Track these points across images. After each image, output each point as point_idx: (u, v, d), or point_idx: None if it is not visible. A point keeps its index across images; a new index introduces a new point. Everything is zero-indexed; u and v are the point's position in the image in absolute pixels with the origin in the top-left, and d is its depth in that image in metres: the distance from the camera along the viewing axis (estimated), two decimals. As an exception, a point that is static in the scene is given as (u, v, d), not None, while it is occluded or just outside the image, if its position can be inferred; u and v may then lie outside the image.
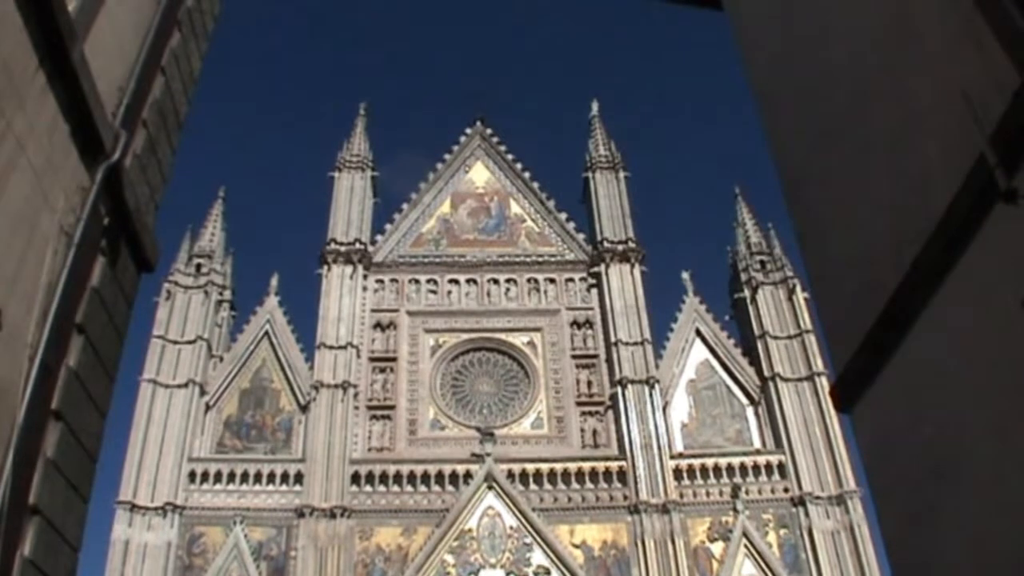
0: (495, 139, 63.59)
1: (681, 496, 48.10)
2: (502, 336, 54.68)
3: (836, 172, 8.61)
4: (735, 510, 47.37)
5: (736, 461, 49.69)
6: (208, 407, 50.81)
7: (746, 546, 46.54)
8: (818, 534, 46.92)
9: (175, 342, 51.66)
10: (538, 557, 45.78)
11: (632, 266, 56.40)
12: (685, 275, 57.55)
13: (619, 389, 51.16)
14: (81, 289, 9.51)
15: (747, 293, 56.15)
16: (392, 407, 51.52)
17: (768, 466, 49.61)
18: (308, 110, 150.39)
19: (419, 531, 46.73)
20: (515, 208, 60.57)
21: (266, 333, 53.91)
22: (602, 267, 56.29)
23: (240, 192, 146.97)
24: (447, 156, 62.51)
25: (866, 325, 7.83)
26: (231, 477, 48.30)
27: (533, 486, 48.35)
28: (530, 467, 48.82)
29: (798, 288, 54.62)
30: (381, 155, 68.72)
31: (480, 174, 62.09)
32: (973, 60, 5.89)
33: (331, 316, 53.46)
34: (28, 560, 8.14)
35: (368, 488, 48.25)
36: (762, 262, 57.54)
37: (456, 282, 56.71)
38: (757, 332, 54.05)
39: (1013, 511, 5.99)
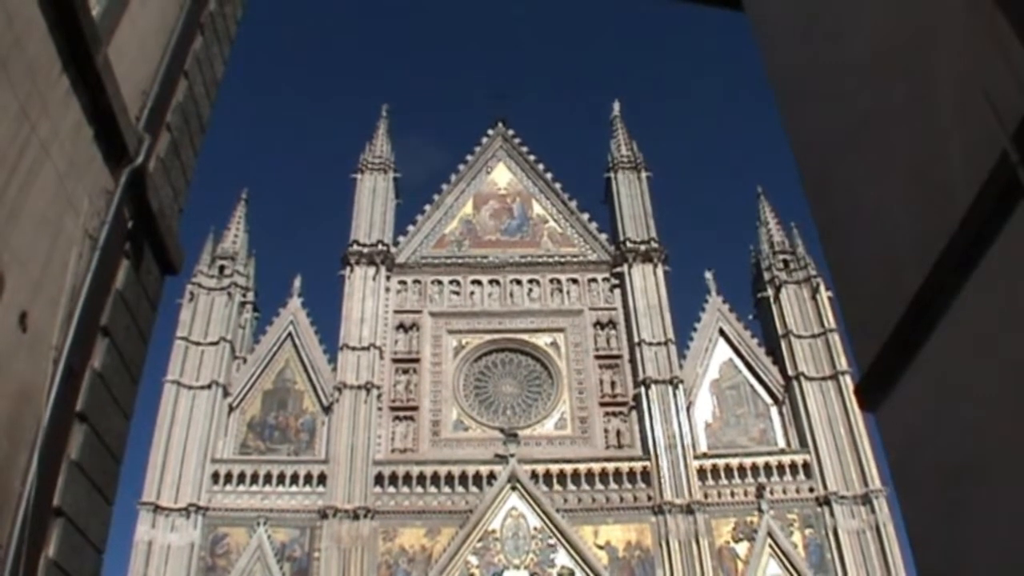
0: (517, 140, 63.69)
1: (705, 496, 48.04)
2: (525, 337, 54.70)
3: (858, 171, 8.58)
4: (760, 510, 47.30)
5: (760, 461, 49.61)
6: (231, 408, 51.04)
7: (771, 546, 46.45)
8: (843, 534, 46.79)
9: (198, 343, 51.93)
10: (562, 558, 45.80)
11: (655, 266, 56.36)
12: (708, 274, 57.60)
13: (643, 389, 51.15)
14: (105, 292, 9.57)
15: (770, 292, 56.03)
16: (415, 408, 51.63)
17: (793, 466, 49.51)
18: (330, 112, 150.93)
19: (443, 532, 46.80)
20: (537, 209, 60.61)
21: (289, 334, 54.11)
22: (625, 267, 56.27)
23: (263, 194, 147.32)
24: (469, 157, 62.68)
25: (891, 324, 7.79)
26: (254, 478, 48.51)
27: (557, 487, 48.38)
28: (554, 468, 48.85)
29: (821, 287, 54.48)
30: (403, 155, 68.76)
31: (502, 175, 62.15)
32: (995, 58, 5.86)
33: (354, 317, 53.59)
34: (53, 561, 8.20)
35: (391, 489, 48.36)
36: (785, 261, 57.45)
37: (479, 283, 56.79)
38: (781, 331, 53.96)
39: (1040, 511, 5.96)
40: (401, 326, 55.06)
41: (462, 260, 57.82)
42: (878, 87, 8.09)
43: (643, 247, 56.94)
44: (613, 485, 48.71)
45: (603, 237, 59.27)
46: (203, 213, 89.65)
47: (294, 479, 48.68)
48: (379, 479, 48.73)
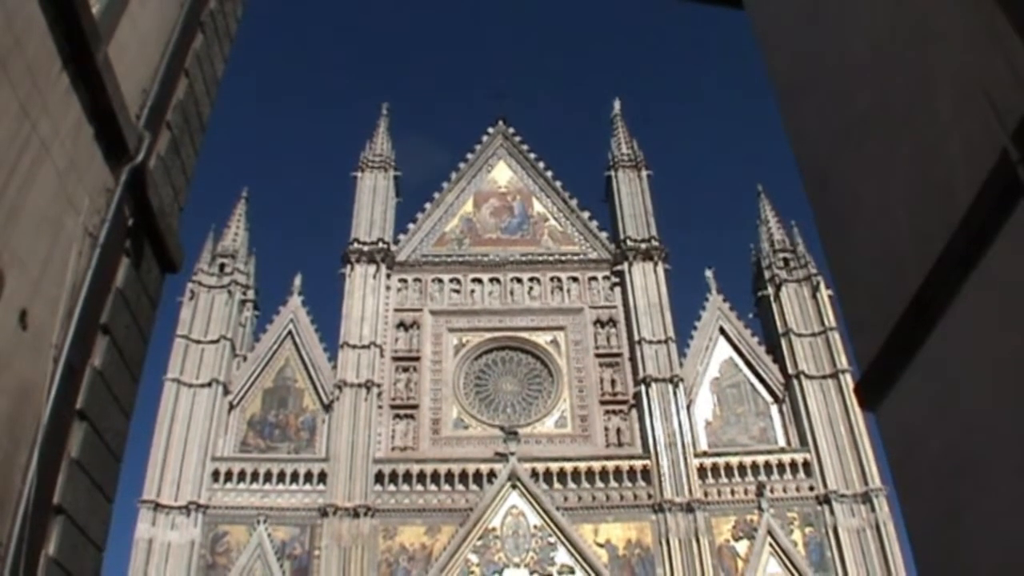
0: (517, 138, 63.63)
1: (705, 495, 48.01)
2: (525, 335, 54.66)
3: (859, 169, 8.59)
4: (760, 508, 47.25)
5: (760, 459, 49.55)
6: (231, 406, 51.00)
7: (771, 544, 46.42)
8: (843, 532, 46.75)
9: (199, 342, 51.87)
10: (562, 556, 45.78)
11: (655, 264, 56.32)
12: (708, 273, 57.51)
13: (643, 387, 51.10)
14: (106, 290, 9.57)
15: (771, 291, 55.97)
16: (415, 406, 51.59)
17: (793, 464, 49.47)
18: (331, 110, 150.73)
19: (443, 530, 46.78)
20: (538, 207, 60.57)
21: (289, 332, 54.07)
22: (625, 265, 56.20)
23: (263, 192, 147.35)
24: (469, 155, 62.64)
25: (891, 322, 7.80)
26: (255, 476, 48.47)
27: (557, 485, 48.33)
28: (554, 466, 48.79)
29: (822, 285, 54.42)
30: (403, 154, 68.74)
31: (503, 173, 62.11)
32: (995, 57, 5.87)
33: (354, 315, 53.56)
34: (53, 559, 8.20)
35: (392, 487, 48.32)
36: (785, 259, 57.39)
37: (479, 281, 56.75)
38: (781, 330, 53.90)
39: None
40: (401, 324, 55.03)
41: (462, 258, 57.78)
42: (878, 86, 8.10)
43: (643, 245, 56.90)
44: (613, 483, 48.68)
45: (603, 235, 59.19)
46: (203, 211, 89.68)
47: (294, 477, 48.64)
48: (379, 477, 48.68)
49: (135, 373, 10.65)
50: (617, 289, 56.24)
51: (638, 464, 49.05)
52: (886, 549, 45.82)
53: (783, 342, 53.41)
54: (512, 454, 48.23)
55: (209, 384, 50.38)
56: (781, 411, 51.94)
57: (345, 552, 45.63)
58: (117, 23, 9.59)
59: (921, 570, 8.10)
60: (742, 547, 46.81)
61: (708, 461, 49.43)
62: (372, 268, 55.81)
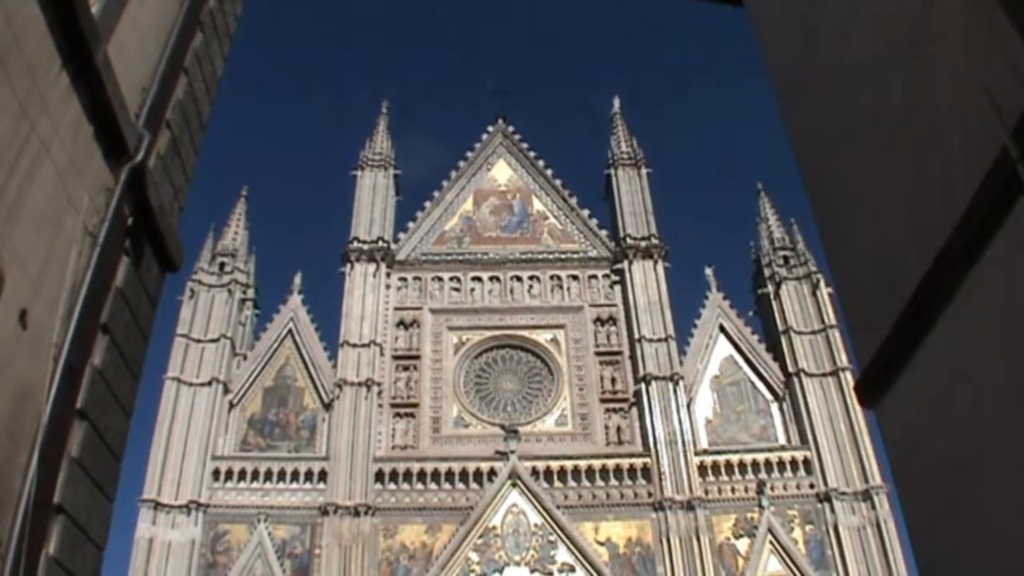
0: (517, 136, 63.56)
1: (706, 492, 47.97)
2: (525, 333, 54.61)
3: (858, 167, 8.58)
4: (760, 506, 47.21)
5: (761, 457, 49.48)
6: (232, 405, 50.92)
7: (772, 542, 46.38)
8: (844, 530, 46.71)
9: (199, 340, 51.79)
10: (563, 554, 45.76)
11: (655, 262, 56.25)
12: (708, 271, 57.44)
13: (643, 385, 51.04)
14: (105, 289, 9.55)
15: (771, 288, 55.91)
16: (416, 405, 51.54)
17: (793, 462, 49.42)
18: (331, 108, 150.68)
19: (443, 529, 46.75)
20: (537, 205, 60.52)
21: (289, 331, 54.01)
22: (625, 263, 56.15)
23: (263, 191, 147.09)
24: (469, 154, 62.57)
25: (890, 320, 7.80)
26: (255, 475, 48.39)
27: (557, 483, 48.29)
28: (554, 464, 48.75)
29: (822, 283, 54.37)
30: (403, 152, 68.72)
31: (502, 171, 62.06)
32: (995, 56, 5.87)
33: (354, 314, 53.51)
34: (53, 559, 8.19)
35: (392, 486, 48.28)
36: (785, 257, 57.32)
37: (479, 280, 56.70)
38: (781, 327, 53.85)
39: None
40: (401, 323, 55.01)
41: (462, 257, 57.76)
42: (878, 83, 8.09)
43: (643, 243, 56.85)
44: (614, 481, 48.66)
45: (603, 233, 59.16)
46: (203, 210, 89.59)
47: (295, 476, 48.60)
48: (380, 476, 48.64)
49: (135, 372, 10.63)
50: (617, 287, 56.20)
51: (638, 462, 49.04)
52: (887, 547, 45.81)
53: (783, 340, 53.38)
54: (512, 452, 48.21)
55: (209, 383, 50.33)
56: (781, 409, 51.91)
57: (346, 551, 45.60)
58: (116, 22, 9.58)
59: (922, 567, 8.11)
60: (743, 545, 46.79)
61: (708, 459, 49.38)
62: (372, 267, 55.77)
